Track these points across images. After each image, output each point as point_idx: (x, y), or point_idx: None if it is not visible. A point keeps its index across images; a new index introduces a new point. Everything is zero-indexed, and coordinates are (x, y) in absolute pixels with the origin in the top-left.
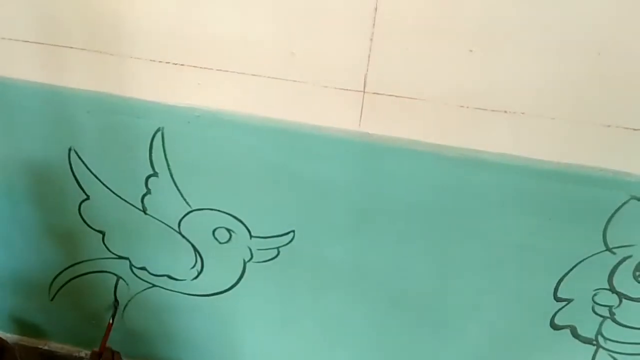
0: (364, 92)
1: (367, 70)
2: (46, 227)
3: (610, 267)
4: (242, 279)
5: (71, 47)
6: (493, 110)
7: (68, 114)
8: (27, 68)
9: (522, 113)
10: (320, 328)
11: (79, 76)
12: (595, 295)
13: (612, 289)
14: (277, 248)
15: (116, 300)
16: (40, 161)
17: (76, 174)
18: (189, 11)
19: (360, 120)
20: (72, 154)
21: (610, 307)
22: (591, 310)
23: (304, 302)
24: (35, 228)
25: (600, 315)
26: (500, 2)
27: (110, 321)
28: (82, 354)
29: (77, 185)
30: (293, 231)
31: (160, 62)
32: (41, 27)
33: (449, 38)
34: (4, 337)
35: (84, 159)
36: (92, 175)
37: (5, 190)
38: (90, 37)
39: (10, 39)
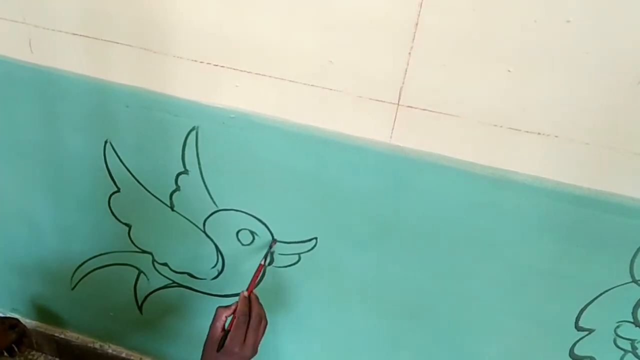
0: (398, 104)
1: (403, 84)
2: (75, 216)
3: (636, 300)
4: (262, 283)
5: (117, 43)
6: (527, 132)
7: (108, 107)
8: (73, 60)
9: (556, 136)
10: (336, 337)
11: (122, 71)
12: (618, 327)
13: (636, 323)
14: (299, 254)
15: (274, 239)
16: (77, 151)
17: (109, 166)
18: (233, 15)
19: (392, 133)
20: (108, 146)
21: (632, 340)
22: (613, 343)
23: (321, 310)
24: (63, 216)
25: (622, 349)
26: (542, 25)
27: (262, 262)
28: (97, 345)
29: (109, 177)
30: (316, 238)
31: (201, 62)
32: (89, 21)
33: (488, 57)
34: (22, 323)
35: (118, 152)
36: (125, 169)
37: (38, 177)
38: (136, 34)
39: (60, 31)
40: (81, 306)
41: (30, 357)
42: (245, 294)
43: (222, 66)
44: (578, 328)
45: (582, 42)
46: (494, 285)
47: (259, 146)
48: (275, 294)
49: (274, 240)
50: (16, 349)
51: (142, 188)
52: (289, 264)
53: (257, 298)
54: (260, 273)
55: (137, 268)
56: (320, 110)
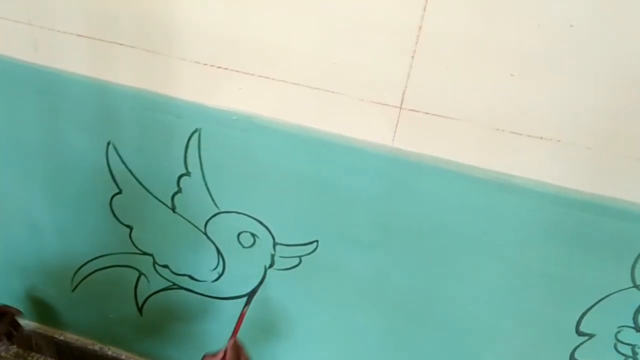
0: (400, 108)
1: (406, 87)
2: (76, 217)
3: (637, 305)
4: (262, 286)
5: (121, 44)
6: (529, 136)
7: (111, 109)
8: (77, 61)
9: (558, 140)
10: (336, 340)
11: (126, 72)
12: (618, 332)
13: (637, 328)
14: (300, 257)
15: (254, 290)
16: (79, 152)
17: (112, 167)
18: (236, 17)
19: (394, 136)
20: (111, 147)
21: (633, 346)
22: (613, 348)
23: (322, 313)
24: (65, 218)
25: (622, 354)
26: (545, 30)
27: (244, 309)
28: (97, 347)
29: (111, 178)
30: (317, 241)
31: (205, 64)
32: (94, 23)
33: (490, 61)
34: (22, 324)
35: (121, 154)
36: (127, 170)
37: (40, 178)
38: (140, 35)
39: (65, 32)
40: (81, 308)
41: (29, 358)
42: (232, 342)
43: (225, 68)
44: (579, 333)
45: (585, 46)
46: (494, 288)
47: (261, 148)
48: (275, 296)
49: (255, 291)
50: (13, 332)
51: (144, 190)
52: (290, 266)
53: (242, 345)
54: (242, 320)
55: (137, 270)
56: (322, 113)
